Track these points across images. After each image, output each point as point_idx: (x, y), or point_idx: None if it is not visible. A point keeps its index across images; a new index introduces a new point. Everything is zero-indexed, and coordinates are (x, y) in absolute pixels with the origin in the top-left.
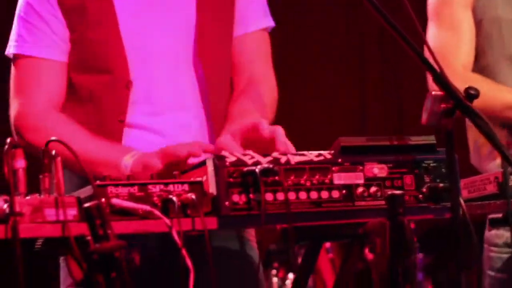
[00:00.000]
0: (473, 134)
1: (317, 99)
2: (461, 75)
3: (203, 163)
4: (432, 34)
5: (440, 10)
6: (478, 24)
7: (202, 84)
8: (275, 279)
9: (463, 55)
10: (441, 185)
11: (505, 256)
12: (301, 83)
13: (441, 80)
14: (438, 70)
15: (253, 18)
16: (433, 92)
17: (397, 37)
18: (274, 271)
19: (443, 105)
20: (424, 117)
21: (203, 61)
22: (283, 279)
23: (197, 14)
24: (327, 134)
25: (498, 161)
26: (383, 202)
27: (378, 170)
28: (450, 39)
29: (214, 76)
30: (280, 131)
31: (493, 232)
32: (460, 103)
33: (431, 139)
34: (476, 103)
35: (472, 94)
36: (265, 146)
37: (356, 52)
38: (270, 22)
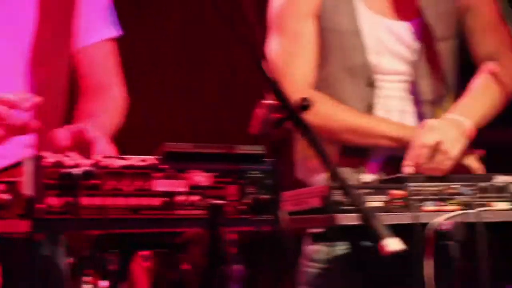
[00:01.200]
0: (301, 147)
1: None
2: (303, 92)
3: (20, 163)
4: (274, 45)
5: (282, 21)
6: (322, 33)
7: (35, 91)
8: (88, 286)
9: (304, 69)
10: (264, 196)
11: (322, 271)
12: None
13: (275, 89)
14: (273, 79)
15: (99, 28)
16: (265, 101)
17: (240, 45)
18: (86, 278)
19: (274, 115)
20: (254, 126)
21: (38, 69)
22: (95, 286)
23: (36, 19)
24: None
25: (324, 175)
26: (205, 212)
27: (202, 178)
28: (291, 52)
29: (48, 85)
30: (102, 138)
31: (313, 246)
32: (292, 114)
33: (259, 149)
34: (316, 121)
35: (305, 105)
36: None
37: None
38: (116, 32)
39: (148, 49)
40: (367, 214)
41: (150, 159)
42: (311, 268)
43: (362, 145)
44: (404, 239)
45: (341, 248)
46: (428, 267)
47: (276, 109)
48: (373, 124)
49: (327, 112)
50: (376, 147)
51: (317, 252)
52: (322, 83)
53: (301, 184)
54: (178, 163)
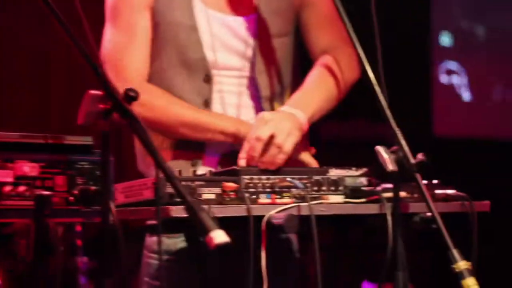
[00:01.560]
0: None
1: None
2: (137, 84)
3: None
4: (108, 37)
5: (117, 12)
6: (156, 27)
7: None
8: None
9: (138, 61)
10: (93, 188)
11: (162, 263)
12: None
13: (101, 79)
14: (99, 70)
15: None
16: (91, 92)
17: (64, 34)
18: None
19: (101, 106)
20: (80, 116)
21: None
22: None
23: None
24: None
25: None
26: (32, 202)
27: (29, 168)
28: (125, 44)
29: None
30: None
31: (153, 238)
32: (118, 105)
33: (87, 140)
34: (151, 115)
35: (131, 96)
36: None
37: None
38: None
39: None
40: (193, 207)
41: None
42: (152, 260)
43: (198, 139)
44: (240, 231)
45: (180, 240)
46: (263, 260)
47: (102, 99)
48: (210, 119)
49: (162, 106)
50: (212, 142)
51: (157, 244)
52: (158, 77)
53: (142, 176)
54: (3, 153)
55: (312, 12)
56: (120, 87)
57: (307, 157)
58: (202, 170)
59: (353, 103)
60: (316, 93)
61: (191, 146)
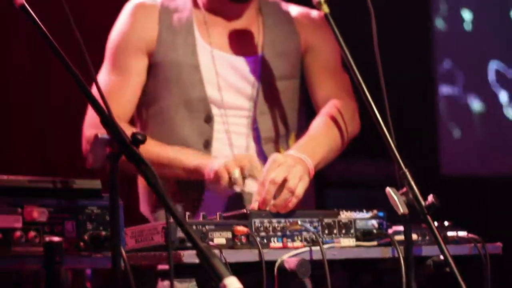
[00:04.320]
0: (143, 181)
1: None
2: None
3: None
4: (102, 75)
5: (113, 53)
6: (157, 67)
7: None
8: None
9: (124, 104)
10: (103, 233)
11: None
12: None
13: (108, 122)
14: (106, 112)
15: None
16: (99, 135)
17: (71, 76)
18: None
19: (108, 149)
20: (89, 160)
21: None
22: None
23: None
24: None
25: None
26: (42, 249)
27: (38, 214)
28: (116, 85)
29: None
30: None
31: (165, 283)
32: (126, 148)
33: (96, 184)
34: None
35: (139, 139)
36: None
37: None
38: None
39: None
40: (205, 253)
41: None
42: None
43: (166, 176)
44: (252, 276)
45: (192, 285)
46: None
47: (109, 143)
48: (170, 155)
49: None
50: (177, 177)
51: None
52: (160, 117)
53: (145, 219)
54: (12, 198)
55: (316, 59)
56: None
57: None
58: None
59: (357, 142)
60: (322, 142)
61: (191, 188)
